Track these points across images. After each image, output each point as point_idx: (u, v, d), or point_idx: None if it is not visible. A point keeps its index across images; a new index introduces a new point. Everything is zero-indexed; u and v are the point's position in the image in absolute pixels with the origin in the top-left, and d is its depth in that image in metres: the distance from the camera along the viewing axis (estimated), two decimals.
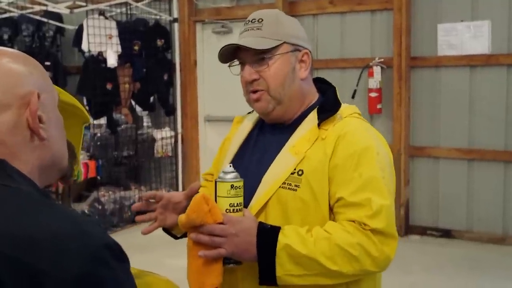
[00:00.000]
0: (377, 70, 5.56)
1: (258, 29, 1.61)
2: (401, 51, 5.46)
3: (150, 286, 1.81)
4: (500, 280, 4.51)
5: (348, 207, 1.51)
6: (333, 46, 5.89)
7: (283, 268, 1.48)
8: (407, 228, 5.64)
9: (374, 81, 5.57)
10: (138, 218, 1.73)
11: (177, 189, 6.66)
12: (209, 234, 1.48)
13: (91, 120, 6.03)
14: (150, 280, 2.02)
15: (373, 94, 5.60)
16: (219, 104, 6.58)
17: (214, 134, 6.59)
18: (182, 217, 1.52)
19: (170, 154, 6.75)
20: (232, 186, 1.49)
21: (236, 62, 1.67)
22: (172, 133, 6.76)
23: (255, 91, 1.63)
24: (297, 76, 1.64)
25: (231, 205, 1.50)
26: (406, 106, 5.53)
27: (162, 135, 6.66)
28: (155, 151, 6.62)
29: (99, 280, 0.83)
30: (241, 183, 1.51)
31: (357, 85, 5.70)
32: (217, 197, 1.51)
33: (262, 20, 1.62)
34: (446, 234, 5.53)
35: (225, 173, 1.51)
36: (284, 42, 1.62)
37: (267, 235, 1.49)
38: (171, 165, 6.85)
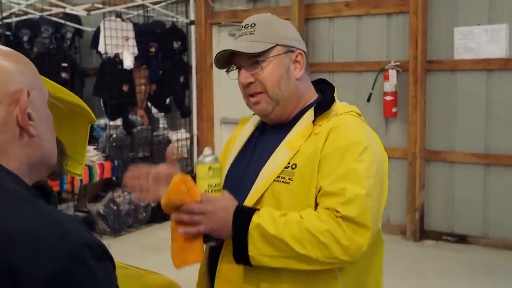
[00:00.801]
0: (392, 73, 5.53)
1: (251, 33, 1.67)
2: (417, 55, 5.42)
3: (150, 286, 1.83)
4: None
5: (325, 196, 1.54)
6: (349, 49, 5.87)
7: (256, 247, 1.52)
8: (422, 233, 5.59)
9: (390, 85, 5.54)
10: (128, 182, 1.75)
11: None
12: (188, 213, 1.53)
13: (106, 121, 6.09)
14: (154, 281, 2.03)
15: (388, 98, 5.56)
16: (234, 106, 6.58)
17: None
18: (163, 198, 1.58)
19: (185, 155, 6.78)
20: (209, 168, 1.55)
21: (233, 67, 1.72)
22: (188, 135, 6.79)
23: (253, 95, 1.68)
24: (292, 76, 1.68)
25: (209, 185, 1.56)
26: (422, 110, 5.49)
27: (178, 137, 6.69)
28: None
29: (75, 279, 0.83)
30: (218, 165, 1.57)
31: (372, 89, 5.67)
32: (197, 179, 1.57)
33: (255, 24, 1.68)
34: (462, 239, 5.47)
35: (204, 156, 1.57)
36: (277, 45, 1.66)
37: (243, 215, 1.55)
38: (186, 167, 6.87)
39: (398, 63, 5.54)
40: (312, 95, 1.75)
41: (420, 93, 5.46)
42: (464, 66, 5.35)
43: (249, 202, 1.63)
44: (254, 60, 1.65)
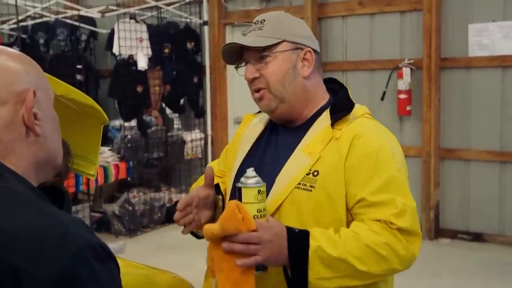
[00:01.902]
0: (406, 71, 5.51)
1: (259, 29, 1.65)
2: (431, 52, 5.39)
3: (160, 284, 1.83)
4: None
5: (371, 207, 1.51)
6: (362, 48, 5.86)
7: (314, 271, 1.46)
8: (437, 231, 5.56)
9: (404, 83, 5.52)
10: (182, 222, 1.67)
11: None
12: (244, 242, 1.44)
13: (121, 122, 6.13)
14: (166, 279, 2.05)
15: (402, 96, 5.54)
16: (248, 106, 6.54)
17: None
18: (214, 227, 1.46)
19: (200, 156, 6.80)
20: (259, 192, 1.46)
21: (243, 64, 1.70)
22: (202, 135, 6.81)
23: (258, 90, 1.66)
24: (299, 74, 1.64)
25: (258, 210, 1.46)
26: (436, 108, 5.46)
27: (192, 137, 6.71)
28: (185, 153, 6.68)
29: (78, 281, 0.83)
30: (265, 187, 1.48)
31: (386, 87, 5.65)
32: (243, 204, 1.46)
33: (264, 20, 1.66)
34: (477, 238, 5.44)
35: (247, 177, 1.48)
36: (284, 41, 1.63)
37: (297, 239, 1.47)
38: (201, 167, 6.90)
39: (412, 61, 5.52)
40: (324, 96, 1.71)
41: (435, 91, 5.43)
42: (478, 63, 5.31)
43: (268, 209, 1.56)
44: (260, 55, 1.62)
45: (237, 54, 1.69)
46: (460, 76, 5.43)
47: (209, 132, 6.83)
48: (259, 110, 1.81)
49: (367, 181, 1.52)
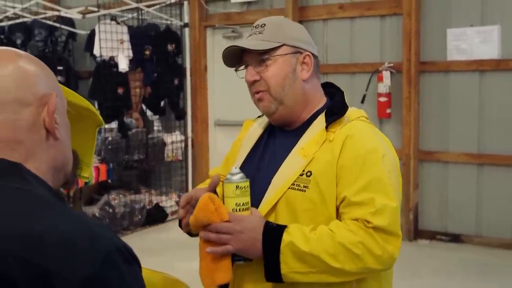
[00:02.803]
0: (386, 74, 5.58)
1: (260, 33, 1.68)
2: (411, 56, 5.47)
3: (157, 286, 1.85)
4: (508, 285, 4.50)
5: (352, 206, 1.54)
6: (342, 51, 5.92)
7: (288, 265, 1.52)
8: (416, 232, 5.64)
9: (384, 86, 5.59)
10: (185, 227, 1.71)
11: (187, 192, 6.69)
12: (216, 232, 1.54)
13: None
14: (161, 280, 2.06)
15: (382, 99, 5.61)
16: (229, 109, 6.62)
17: (224, 138, 6.62)
18: (191, 218, 1.58)
19: (180, 158, 6.80)
20: (237, 187, 1.55)
21: (242, 66, 1.73)
22: (182, 137, 6.81)
23: (257, 92, 1.69)
24: (298, 77, 1.68)
25: (237, 204, 1.55)
26: (415, 111, 5.54)
27: (172, 139, 6.71)
28: (165, 155, 6.67)
29: (108, 283, 0.85)
30: (246, 184, 1.56)
31: (366, 90, 5.72)
32: (224, 198, 1.57)
33: (265, 25, 1.69)
34: (455, 239, 5.53)
35: (232, 174, 1.57)
36: (284, 44, 1.67)
37: (273, 233, 1.54)
38: (181, 169, 6.90)
39: (392, 65, 5.60)
40: (321, 99, 1.75)
41: (414, 94, 5.51)
42: (457, 67, 5.41)
43: (263, 209, 1.62)
44: (260, 58, 1.66)
45: (237, 57, 1.72)
46: (439, 80, 5.52)
47: (190, 134, 6.83)
48: (260, 115, 1.85)
49: (353, 181, 1.56)
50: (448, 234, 5.57)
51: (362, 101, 5.73)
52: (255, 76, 1.67)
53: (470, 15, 5.31)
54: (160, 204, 6.48)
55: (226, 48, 1.70)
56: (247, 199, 1.57)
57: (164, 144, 6.65)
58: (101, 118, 1.86)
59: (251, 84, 1.69)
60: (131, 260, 0.90)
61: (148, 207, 6.33)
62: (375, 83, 5.66)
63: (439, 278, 4.69)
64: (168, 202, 6.57)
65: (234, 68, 1.76)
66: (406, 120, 5.55)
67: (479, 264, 4.97)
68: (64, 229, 0.86)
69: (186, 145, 6.83)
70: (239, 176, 1.56)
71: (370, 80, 5.70)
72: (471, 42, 5.32)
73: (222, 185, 1.59)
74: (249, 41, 1.70)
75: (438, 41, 5.47)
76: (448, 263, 5.02)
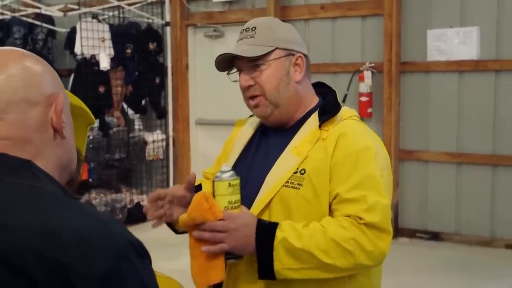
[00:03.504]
0: (367, 74, 5.64)
1: (251, 37, 1.69)
2: (392, 56, 5.53)
3: None
4: (488, 281, 4.59)
5: (344, 203, 1.57)
6: (324, 51, 5.95)
7: (281, 262, 1.54)
8: (396, 230, 5.70)
9: (365, 86, 5.65)
10: (150, 215, 1.75)
11: None
12: (210, 230, 1.54)
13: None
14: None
15: (363, 98, 5.67)
16: (210, 108, 6.62)
17: (205, 137, 6.62)
18: (184, 216, 1.58)
19: (161, 157, 6.78)
20: (229, 184, 1.55)
21: (234, 70, 1.74)
22: (164, 136, 6.79)
23: (253, 97, 1.70)
24: (292, 79, 1.69)
25: (229, 202, 1.56)
26: (396, 111, 5.61)
27: (154, 138, 6.68)
28: (146, 154, 6.65)
29: (123, 277, 0.86)
30: (237, 181, 1.57)
31: (347, 90, 5.76)
32: (216, 196, 1.57)
33: (255, 28, 1.70)
34: (435, 237, 5.61)
35: (222, 172, 1.57)
36: (277, 48, 1.68)
37: (265, 230, 1.55)
38: (162, 168, 6.88)
39: (373, 65, 5.65)
40: (313, 99, 1.76)
41: (395, 94, 5.58)
42: (437, 67, 5.49)
43: (257, 207, 1.64)
44: (253, 63, 1.67)
45: (229, 62, 1.73)
46: (419, 80, 5.59)
47: (171, 133, 6.81)
48: (251, 114, 1.86)
49: (345, 178, 1.58)
50: (428, 232, 5.65)
51: (344, 101, 5.76)
52: (249, 81, 1.68)
53: (450, 16, 5.39)
54: (141, 203, 6.44)
55: (218, 56, 1.70)
56: (238, 196, 1.57)
57: (145, 143, 6.62)
58: (92, 116, 1.86)
59: (246, 89, 1.70)
60: (143, 254, 0.92)
61: (129, 206, 6.30)
62: (356, 83, 5.71)
63: (420, 275, 4.76)
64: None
65: (226, 72, 1.77)
66: (387, 119, 5.61)
67: (459, 261, 5.06)
68: (80, 225, 0.87)
69: (167, 144, 6.81)
70: (229, 173, 1.56)
71: (351, 80, 5.75)
72: (450, 43, 5.40)
73: (213, 183, 1.59)
74: (240, 46, 1.70)
75: (419, 42, 5.54)
76: (428, 260, 5.09)
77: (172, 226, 1.83)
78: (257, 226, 1.55)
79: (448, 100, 5.46)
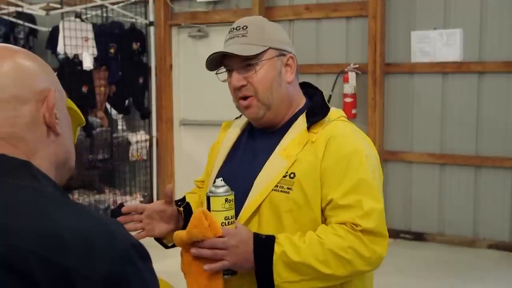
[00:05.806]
0: (352, 75, 5.65)
1: (243, 36, 1.65)
2: (376, 58, 5.56)
3: None
4: (471, 281, 4.63)
5: (339, 210, 1.55)
6: (308, 52, 5.95)
7: (280, 276, 1.52)
8: None
9: (349, 87, 5.66)
10: (128, 227, 1.71)
11: (151, 192, 6.66)
12: (210, 247, 1.51)
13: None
14: None
15: (348, 99, 5.68)
16: (194, 108, 6.59)
17: (189, 138, 6.59)
18: (181, 233, 1.55)
19: (145, 157, 6.73)
20: (226, 200, 1.53)
21: (223, 69, 1.70)
22: (147, 137, 6.74)
23: (244, 98, 1.66)
24: (283, 79, 1.67)
25: (226, 218, 1.53)
26: (380, 111, 5.63)
27: (137, 139, 6.64)
28: (130, 155, 6.60)
29: (126, 279, 0.85)
30: (233, 196, 1.54)
31: (332, 90, 5.78)
32: (211, 211, 1.54)
33: (247, 27, 1.66)
34: (419, 237, 5.65)
35: (217, 187, 1.54)
36: (270, 48, 1.65)
37: (263, 245, 1.53)
38: (145, 169, 6.83)
39: (357, 66, 5.67)
40: (301, 99, 1.74)
41: (379, 95, 5.60)
42: (420, 69, 5.52)
43: (246, 212, 1.61)
44: (247, 63, 1.63)
45: (218, 60, 1.69)
46: (403, 81, 5.62)
47: (154, 133, 6.76)
48: (238, 116, 1.82)
49: (338, 183, 1.56)
50: (412, 233, 5.69)
51: (328, 102, 5.75)
52: (242, 81, 1.64)
53: (433, 18, 5.43)
54: (125, 204, 6.41)
55: (211, 54, 1.66)
56: (233, 212, 1.55)
57: (128, 143, 6.57)
58: (83, 117, 1.83)
59: (238, 89, 1.65)
60: (145, 256, 0.91)
61: (112, 207, 6.25)
62: (341, 84, 5.73)
63: (403, 276, 4.78)
64: (133, 202, 6.50)
65: (214, 72, 1.73)
66: (371, 120, 5.64)
67: (442, 261, 5.09)
68: (82, 227, 0.85)
69: (151, 145, 6.76)
70: (225, 188, 1.54)
71: (336, 81, 5.76)
72: (434, 45, 5.44)
73: (208, 199, 1.55)
74: (232, 44, 1.66)
75: (403, 43, 5.57)
76: (412, 261, 5.12)
77: (160, 240, 1.81)
78: (255, 242, 1.53)
79: (432, 101, 5.50)
